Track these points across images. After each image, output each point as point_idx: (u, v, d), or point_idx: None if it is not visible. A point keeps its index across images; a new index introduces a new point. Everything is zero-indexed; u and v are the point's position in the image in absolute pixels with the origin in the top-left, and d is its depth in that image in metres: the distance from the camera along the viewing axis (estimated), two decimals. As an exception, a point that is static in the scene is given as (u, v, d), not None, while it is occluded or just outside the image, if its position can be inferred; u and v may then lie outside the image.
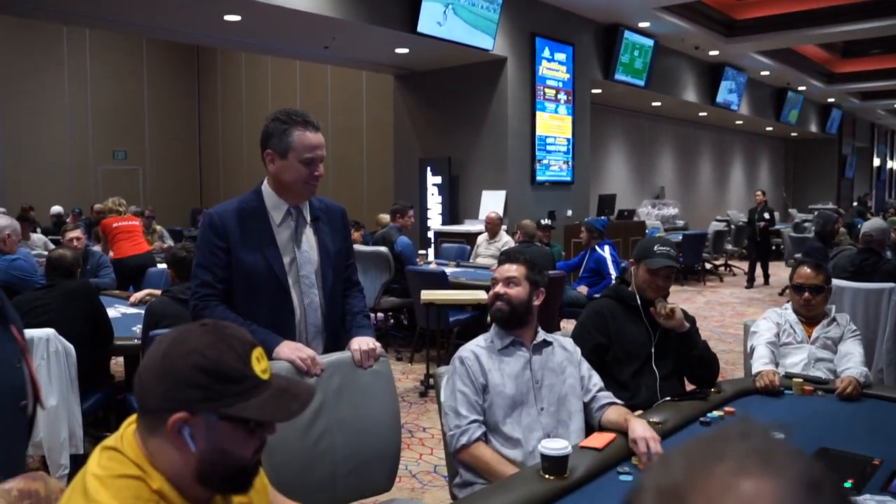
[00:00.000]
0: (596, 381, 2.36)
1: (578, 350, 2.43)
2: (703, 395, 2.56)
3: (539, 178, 9.90)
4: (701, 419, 2.38)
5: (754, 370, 2.87)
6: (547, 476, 1.85)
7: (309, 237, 2.30)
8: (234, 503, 1.27)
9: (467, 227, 9.41)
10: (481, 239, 8.07)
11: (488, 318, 2.35)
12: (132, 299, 4.78)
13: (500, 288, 2.28)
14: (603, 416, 2.27)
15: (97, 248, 6.69)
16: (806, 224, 13.12)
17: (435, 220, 10.22)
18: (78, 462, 3.41)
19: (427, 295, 5.25)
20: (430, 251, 9.53)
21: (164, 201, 14.84)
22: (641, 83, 11.80)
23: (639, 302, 2.73)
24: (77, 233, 5.65)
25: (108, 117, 15.06)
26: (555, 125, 10.12)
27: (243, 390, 1.12)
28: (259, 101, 15.23)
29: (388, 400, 2.21)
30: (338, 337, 2.36)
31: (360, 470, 2.13)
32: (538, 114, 9.77)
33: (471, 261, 7.99)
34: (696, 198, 18.49)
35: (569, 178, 10.46)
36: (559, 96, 10.11)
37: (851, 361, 2.85)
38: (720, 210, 18.09)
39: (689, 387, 2.79)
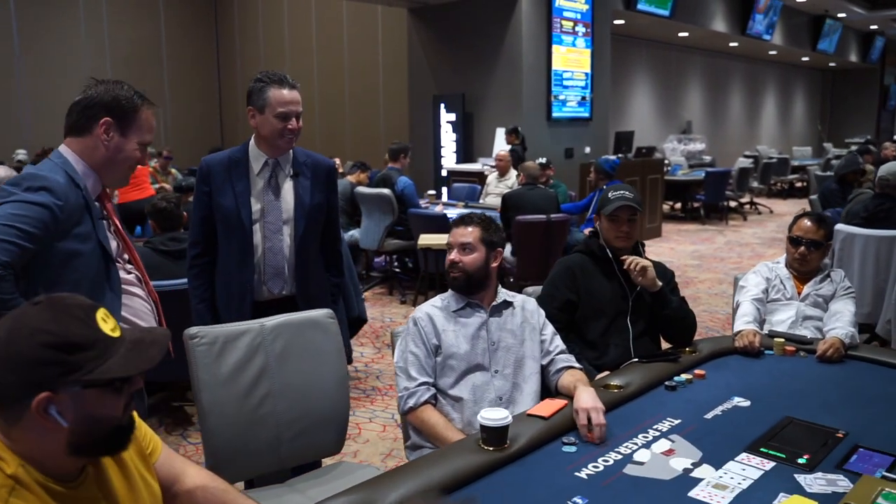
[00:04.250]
0: (557, 343, 2.28)
1: (542, 312, 2.34)
2: (675, 357, 2.46)
3: (555, 114, 9.61)
4: (666, 383, 2.29)
5: (735, 328, 2.76)
6: (485, 447, 1.79)
7: (286, 188, 2.50)
8: (109, 472, 1.25)
9: (480, 165, 9.23)
10: (491, 178, 7.91)
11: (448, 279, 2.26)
12: None
13: (454, 255, 2.20)
14: (559, 380, 2.19)
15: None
16: (834, 162, 12.66)
17: (449, 159, 10.04)
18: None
19: (424, 239, 5.17)
20: (444, 190, 9.39)
21: (185, 142, 14.77)
22: (666, 13, 11.27)
23: (609, 255, 2.62)
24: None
25: (125, 57, 14.92)
26: (572, 59, 9.75)
27: (99, 353, 1.12)
28: (276, 40, 14.95)
29: (334, 362, 2.16)
30: (308, 283, 2.55)
31: (306, 433, 2.10)
32: (554, 47, 9.41)
33: (481, 200, 7.86)
34: (725, 132, 17.92)
35: (587, 115, 10.14)
36: (577, 29, 9.71)
37: (840, 321, 2.69)
38: (750, 145, 17.54)
39: (667, 346, 2.69)
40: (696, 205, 11.42)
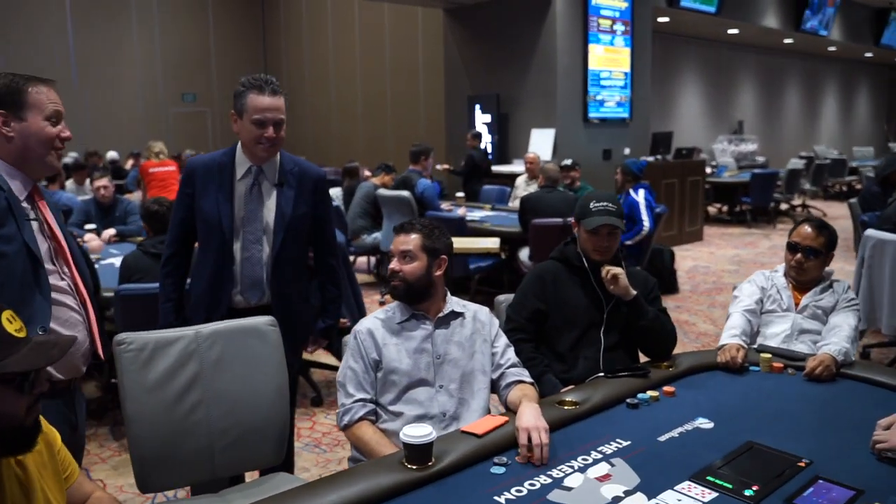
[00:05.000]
0: (509, 356, 2.16)
1: (496, 322, 2.23)
2: (644, 372, 2.31)
3: (592, 115, 9.38)
4: (628, 400, 2.15)
5: (721, 341, 2.58)
6: (408, 464, 1.70)
7: (268, 197, 2.41)
8: (9, 479, 1.27)
9: (514, 167, 9.09)
10: (520, 180, 7.78)
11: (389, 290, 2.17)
12: (101, 240, 4.99)
13: (394, 264, 2.10)
14: (507, 395, 2.08)
15: (130, 196, 6.87)
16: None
17: (484, 161, 9.91)
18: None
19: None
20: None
21: (232, 144, 15.08)
22: (712, 9, 10.89)
23: (585, 263, 2.48)
24: (104, 181, 5.79)
25: (175, 60, 15.33)
26: (610, 58, 9.49)
27: None
28: (320, 42, 15.10)
29: (273, 371, 2.09)
30: (285, 295, 2.45)
31: (242, 443, 2.04)
32: (591, 46, 9.17)
33: (510, 203, 7.72)
34: (780, 133, 17.24)
35: (626, 115, 9.86)
36: (615, 27, 9.45)
37: (836, 336, 2.48)
38: (807, 146, 16.84)
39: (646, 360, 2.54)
40: (743, 207, 11.01)
